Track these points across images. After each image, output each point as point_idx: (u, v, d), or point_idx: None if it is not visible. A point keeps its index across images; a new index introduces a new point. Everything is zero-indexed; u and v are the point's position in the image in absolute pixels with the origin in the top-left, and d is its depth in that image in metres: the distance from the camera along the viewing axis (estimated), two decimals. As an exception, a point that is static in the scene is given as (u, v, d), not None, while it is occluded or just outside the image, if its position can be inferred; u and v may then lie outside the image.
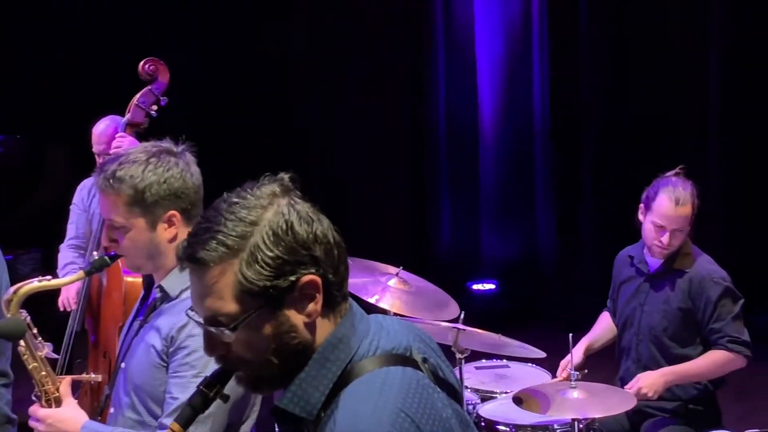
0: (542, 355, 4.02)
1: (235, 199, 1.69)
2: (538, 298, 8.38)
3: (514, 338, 4.04)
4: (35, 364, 2.60)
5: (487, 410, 3.92)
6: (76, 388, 4.33)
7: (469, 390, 4.09)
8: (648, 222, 3.96)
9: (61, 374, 4.19)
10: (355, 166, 8.92)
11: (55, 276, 4.34)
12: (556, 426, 3.74)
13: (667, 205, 3.88)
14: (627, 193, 4.27)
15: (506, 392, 4.07)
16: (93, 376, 3.90)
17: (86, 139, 4.97)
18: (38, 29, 7.69)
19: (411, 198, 8.95)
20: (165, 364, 2.46)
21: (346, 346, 1.69)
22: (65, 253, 5.07)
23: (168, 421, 2.32)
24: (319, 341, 1.69)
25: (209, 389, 1.75)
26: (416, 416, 1.61)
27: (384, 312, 4.01)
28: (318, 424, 1.66)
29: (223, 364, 1.72)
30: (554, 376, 4.19)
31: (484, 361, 4.43)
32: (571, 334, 4.16)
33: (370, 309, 4.03)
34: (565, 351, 3.90)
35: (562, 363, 4.07)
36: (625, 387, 3.88)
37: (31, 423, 2.59)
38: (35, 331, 2.63)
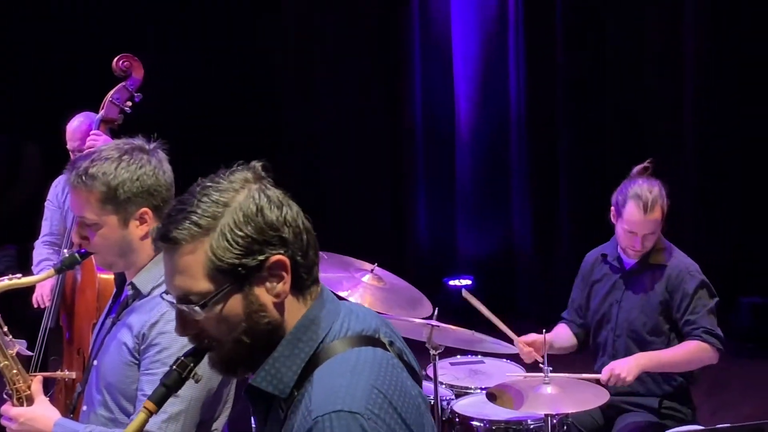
0: (515, 350, 4.03)
1: (209, 183, 1.77)
2: (514, 294, 8.41)
3: (491, 334, 4.05)
4: (6, 362, 2.59)
5: (461, 406, 3.94)
6: (51, 385, 4.32)
7: (443, 386, 4.09)
8: (620, 227, 3.99)
9: (35, 371, 4.17)
10: (332, 163, 8.93)
11: (29, 273, 4.34)
12: (529, 421, 3.76)
13: (637, 213, 3.89)
14: (603, 188, 4.28)
15: (481, 388, 4.08)
16: (67, 373, 3.88)
17: (60, 135, 4.95)
18: (32, 29, 7.65)
19: (388, 194, 8.96)
20: (137, 362, 2.46)
21: (317, 328, 1.75)
22: (40, 250, 5.05)
23: None
24: (291, 323, 1.75)
25: (182, 369, 1.80)
26: (388, 393, 1.69)
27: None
28: (291, 402, 1.73)
29: (196, 344, 1.78)
30: (528, 371, 4.21)
31: (458, 357, 4.44)
32: (545, 330, 4.18)
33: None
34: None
35: (522, 340, 4.05)
36: (601, 372, 3.87)
37: (3, 422, 2.58)
38: (5, 329, 2.62)
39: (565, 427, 3.81)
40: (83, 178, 2.47)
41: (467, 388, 4.16)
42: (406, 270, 7.76)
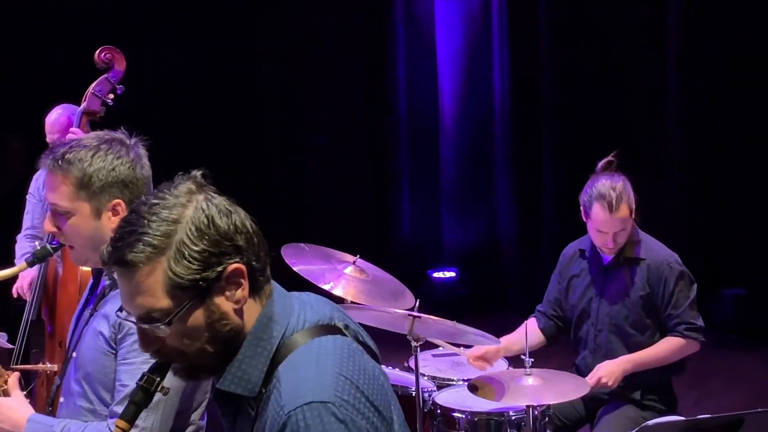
0: (498, 342, 4.04)
1: (154, 201, 1.76)
2: (498, 286, 8.43)
3: (475, 326, 4.04)
4: None
5: (443, 398, 3.94)
6: (32, 378, 4.31)
7: (425, 378, 4.10)
8: (590, 227, 4.00)
9: (16, 364, 4.17)
10: (316, 155, 8.92)
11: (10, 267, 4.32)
12: (511, 413, 3.76)
13: (603, 214, 3.89)
14: (587, 180, 4.29)
15: (463, 379, 4.08)
16: (49, 366, 3.87)
17: (41, 128, 4.93)
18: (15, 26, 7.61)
19: (372, 186, 8.96)
20: (114, 352, 2.46)
21: (276, 324, 1.79)
22: (22, 243, 5.04)
23: (119, 408, 2.32)
24: (250, 324, 1.79)
25: (149, 384, 1.83)
26: (354, 378, 1.74)
27: (340, 300, 4.02)
28: (260, 399, 1.76)
29: (159, 358, 1.80)
30: (511, 364, 4.22)
31: (441, 348, 4.44)
32: (527, 321, 4.19)
33: (326, 297, 4.04)
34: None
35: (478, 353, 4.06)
36: (586, 378, 3.91)
37: None
38: (-19, 324, 2.62)
39: (546, 419, 3.82)
40: (59, 162, 2.46)
41: (449, 379, 4.16)
42: (390, 262, 7.76)
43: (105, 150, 2.47)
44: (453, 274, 8.45)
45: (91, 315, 2.57)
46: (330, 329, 1.82)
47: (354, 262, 4.25)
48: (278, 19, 8.69)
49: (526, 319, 4.23)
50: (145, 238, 1.72)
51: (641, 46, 7.79)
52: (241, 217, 1.78)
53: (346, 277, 4.16)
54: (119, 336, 2.44)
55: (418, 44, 8.58)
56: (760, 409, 3.33)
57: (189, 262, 1.71)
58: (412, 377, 3.87)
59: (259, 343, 1.77)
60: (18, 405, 2.54)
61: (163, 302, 1.72)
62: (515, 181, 8.35)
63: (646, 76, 7.81)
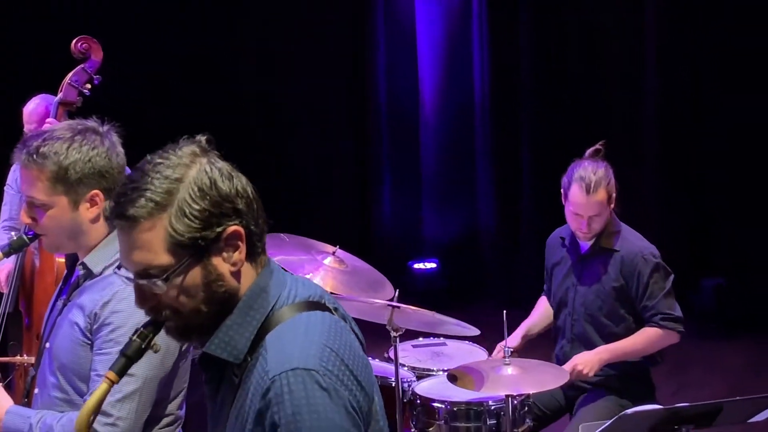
0: (476, 332, 4.04)
1: (159, 160, 1.80)
2: (479, 277, 8.44)
3: (455, 316, 4.06)
4: None
5: (422, 388, 3.94)
6: (10, 370, 4.28)
7: (405, 368, 4.10)
8: (567, 210, 4.01)
9: (-6, 357, 4.14)
10: (296, 146, 8.90)
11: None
12: (491, 402, 3.76)
13: (580, 194, 3.90)
14: (566, 171, 4.29)
15: (443, 370, 4.08)
16: (26, 358, 3.85)
17: (18, 118, 4.90)
18: None
19: (352, 178, 8.95)
20: (89, 342, 2.44)
21: (267, 295, 1.83)
22: (0, 236, 5.00)
23: None
24: (243, 290, 1.82)
25: (142, 339, 1.85)
26: (339, 351, 1.77)
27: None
28: (245, 367, 1.80)
29: (154, 316, 1.83)
30: (491, 354, 4.22)
31: (421, 339, 4.44)
32: (505, 311, 4.20)
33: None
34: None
35: (500, 345, 4.08)
36: (560, 356, 3.93)
37: None
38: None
39: (526, 408, 3.82)
40: (34, 156, 2.44)
41: (429, 370, 4.16)
42: (371, 253, 7.77)
43: (80, 141, 2.45)
44: (434, 265, 8.46)
45: (65, 305, 2.56)
46: (320, 306, 1.85)
47: (333, 252, 4.25)
48: (260, 11, 8.65)
49: (506, 309, 4.24)
50: (148, 194, 1.75)
51: (620, 37, 7.81)
52: (242, 182, 1.82)
53: (325, 267, 4.16)
54: (95, 326, 2.43)
55: (399, 36, 8.57)
56: (738, 398, 3.34)
57: (190, 220, 1.75)
58: (391, 367, 3.87)
59: (248, 311, 1.81)
60: None
61: (162, 258, 1.76)
62: (495, 173, 8.37)
63: (625, 67, 7.83)
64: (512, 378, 3.62)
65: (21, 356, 3.99)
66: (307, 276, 4.02)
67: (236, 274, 1.81)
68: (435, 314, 3.80)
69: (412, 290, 7.92)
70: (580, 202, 3.92)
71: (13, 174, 5.01)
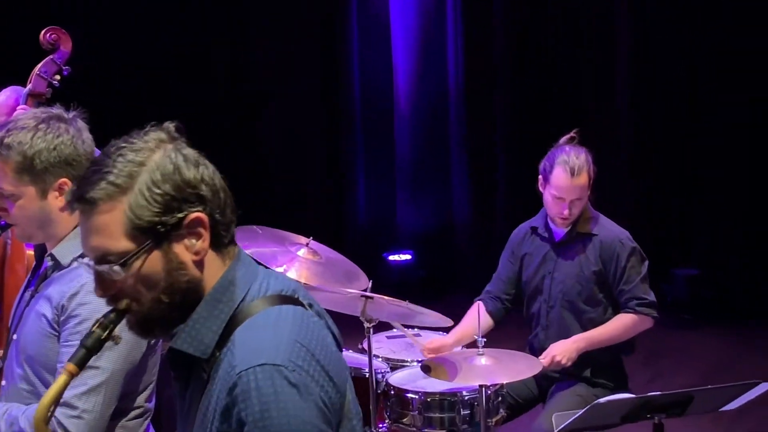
0: (450, 323, 4.04)
1: (123, 144, 1.75)
2: (453, 268, 8.45)
3: (431, 307, 4.06)
4: None
5: (396, 378, 3.94)
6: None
7: (379, 359, 4.09)
8: (547, 194, 4.01)
9: (-36, 350, 4.10)
10: (270, 138, 8.88)
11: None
12: (464, 393, 3.76)
13: (564, 177, 3.92)
14: (541, 162, 4.29)
15: (417, 360, 4.08)
16: (-2, 351, 3.81)
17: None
18: None
19: (327, 169, 8.94)
20: (57, 333, 2.42)
21: (236, 288, 1.77)
22: (-30, 228, 4.95)
23: None
24: (210, 282, 1.77)
25: (102, 330, 1.80)
26: (310, 346, 1.72)
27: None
28: (213, 363, 1.75)
29: (115, 306, 1.77)
30: (464, 345, 4.22)
31: (395, 330, 4.43)
32: (473, 306, 4.21)
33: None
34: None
35: (433, 346, 4.05)
36: (539, 358, 3.93)
37: None
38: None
39: (499, 398, 3.82)
40: None
41: (403, 361, 4.16)
42: (346, 245, 7.76)
43: (44, 130, 2.43)
44: (409, 256, 8.47)
45: (32, 297, 2.53)
46: (292, 300, 1.80)
47: (307, 244, 4.23)
48: (233, 3, 8.62)
49: (476, 301, 4.26)
50: (109, 177, 1.71)
51: (595, 26, 7.83)
52: (209, 170, 1.78)
53: (299, 259, 4.14)
54: (62, 318, 2.41)
55: (373, 26, 8.56)
56: (709, 386, 3.36)
57: (149, 203, 1.70)
58: (365, 358, 3.86)
59: (216, 305, 1.76)
60: None
61: (121, 243, 1.71)
62: (470, 164, 8.38)
63: (600, 56, 7.85)
64: (486, 368, 3.62)
65: (-8, 349, 3.95)
66: (281, 268, 4.01)
67: (200, 264, 1.76)
68: (408, 305, 3.79)
69: (387, 282, 7.93)
70: (563, 185, 3.93)
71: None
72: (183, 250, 1.74)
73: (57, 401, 1.86)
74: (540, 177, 4.05)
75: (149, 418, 2.62)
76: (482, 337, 3.73)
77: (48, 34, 4.13)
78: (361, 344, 4.10)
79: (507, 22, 8.06)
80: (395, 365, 4.11)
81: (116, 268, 1.71)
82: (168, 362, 1.83)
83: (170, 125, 1.81)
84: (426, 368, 3.68)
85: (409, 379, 3.94)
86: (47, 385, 2.44)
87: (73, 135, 2.46)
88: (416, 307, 3.84)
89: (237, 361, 1.68)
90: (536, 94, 8.05)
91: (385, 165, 8.72)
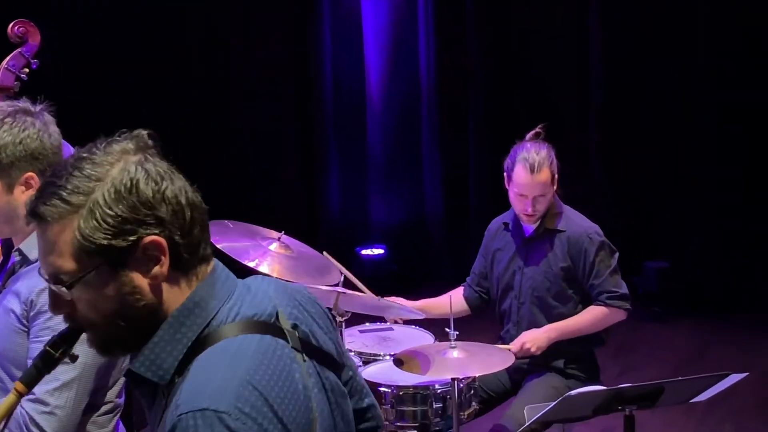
0: (421, 316, 4.05)
1: (84, 154, 1.64)
2: (426, 262, 8.47)
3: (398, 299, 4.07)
4: None
5: (369, 373, 3.94)
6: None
7: (352, 353, 4.09)
8: (511, 192, 4.04)
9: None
10: (244, 134, 8.84)
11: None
12: (437, 386, 3.77)
13: (524, 175, 3.94)
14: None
15: (390, 354, 4.08)
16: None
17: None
18: None
19: (299, 164, 8.92)
20: (26, 329, 2.40)
21: (202, 311, 1.65)
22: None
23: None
24: (173, 305, 1.64)
25: (55, 349, 1.73)
26: (265, 389, 1.58)
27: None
28: (172, 388, 1.63)
29: (71, 324, 1.69)
30: (437, 338, 4.23)
31: (367, 324, 4.44)
32: (451, 294, 4.22)
33: (252, 273, 4.00)
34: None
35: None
36: (510, 344, 3.95)
37: None
38: None
39: (472, 391, 3.83)
40: None
41: (376, 355, 4.16)
42: (319, 240, 7.75)
43: (9, 123, 2.40)
44: (381, 251, 8.47)
45: (0, 292, 2.51)
46: (264, 327, 1.66)
47: (279, 238, 4.22)
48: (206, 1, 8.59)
49: (448, 292, 4.28)
50: (62, 193, 1.59)
51: (565, 22, 7.86)
52: (175, 186, 1.63)
53: (271, 253, 4.12)
54: (32, 313, 2.38)
55: (344, 21, 8.54)
56: (679, 378, 3.38)
57: (99, 224, 1.58)
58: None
59: (179, 328, 1.63)
60: None
61: (69, 264, 1.60)
62: (442, 158, 8.40)
63: (572, 53, 7.88)
64: (458, 361, 3.63)
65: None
66: (252, 263, 3.99)
67: (158, 288, 1.62)
68: (380, 299, 3.79)
69: (359, 276, 7.90)
70: (524, 183, 3.94)
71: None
72: (138, 275, 1.61)
73: (5, 419, 1.80)
74: (504, 174, 4.06)
75: (119, 414, 2.60)
76: (459, 326, 3.74)
77: (16, 27, 4.09)
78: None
79: (479, 18, 8.06)
80: (368, 359, 4.11)
81: (63, 289, 1.61)
82: (129, 382, 1.73)
83: (142, 133, 1.70)
84: (399, 362, 3.68)
85: (381, 373, 3.94)
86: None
87: (39, 129, 2.43)
88: (388, 301, 3.84)
89: (182, 400, 1.55)
90: (508, 90, 8.07)
91: (357, 160, 8.71)
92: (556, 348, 4.03)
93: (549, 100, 7.89)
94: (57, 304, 1.66)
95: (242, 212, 6.54)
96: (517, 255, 4.16)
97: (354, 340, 4.29)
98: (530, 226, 4.11)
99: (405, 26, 8.34)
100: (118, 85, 8.09)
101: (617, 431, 3.41)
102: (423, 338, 4.28)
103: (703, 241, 7.71)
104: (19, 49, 4.10)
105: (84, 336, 1.71)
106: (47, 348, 1.73)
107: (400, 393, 3.78)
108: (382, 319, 4.38)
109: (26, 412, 2.35)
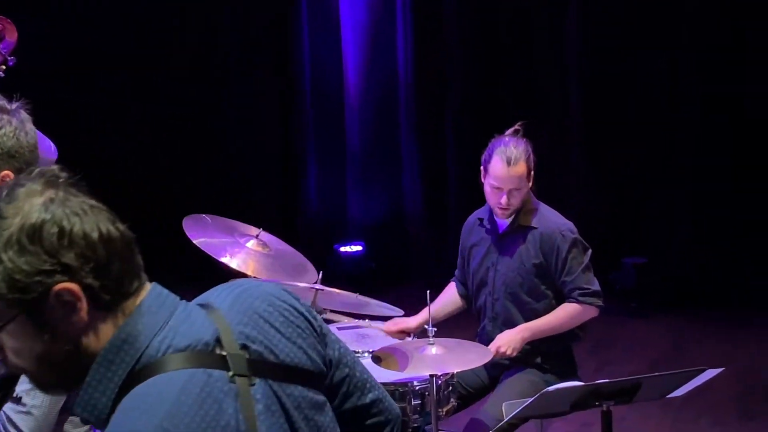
0: (400, 313, 4.05)
1: None
2: (404, 259, 8.47)
3: (382, 298, 4.05)
4: None
5: (347, 370, 3.93)
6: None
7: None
8: (487, 185, 4.04)
9: None
10: (222, 129, 8.83)
11: None
12: (415, 383, 3.77)
13: (501, 167, 3.95)
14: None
15: (368, 351, 4.07)
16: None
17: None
18: None
19: (278, 161, 8.91)
20: None
21: (131, 348, 1.56)
22: None
23: None
24: (101, 345, 1.57)
25: None
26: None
27: (243, 275, 3.97)
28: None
29: (9, 367, 1.63)
30: (416, 335, 4.24)
31: (346, 321, 4.43)
32: (429, 291, 4.21)
33: (230, 272, 3.99)
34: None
35: (395, 320, 4.14)
36: (482, 338, 3.96)
37: None
38: None
39: (450, 388, 3.84)
40: None
41: (354, 352, 4.13)
42: (297, 236, 7.75)
43: None
44: (359, 247, 8.47)
45: None
46: (197, 360, 1.57)
47: (257, 236, 4.21)
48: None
49: (431, 290, 4.26)
50: None
51: (546, 20, 7.87)
52: (86, 224, 1.54)
53: (247, 250, 4.11)
54: None
55: (322, 16, 8.54)
56: (656, 374, 3.40)
57: (4, 280, 1.50)
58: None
59: (109, 366, 1.55)
60: None
61: None
62: (420, 156, 8.40)
63: (552, 47, 7.89)
64: (436, 357, 3.63)
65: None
66: (228, 259, 3.97)
67: (81, 332, 1.55)
68: (358, 296, 3.79)
69: (338, 273, 7.93)
70: (500, 175, 3.95)
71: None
72: (57, 322, 1.53)
73: None
74: (481, 168, 4.07)
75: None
76: (437, 323, 3.74)
77: (-8, 24, 4.06)
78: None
79: (457, 13, 8.07)
80: (346, 356, 4.10)
81: None
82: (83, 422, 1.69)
83: (53, 170, 1.59)
84: (377, 359, 3.68)
85: (360, 370, 3.93)
86: None
87: (15, 127, 2.41)
88: (366, 298, 3.84)
89: None
90: (487, 86, 8.08)
91: (335, 156, 8.71)
92: (533, 345, 4.05)
93: (529, 95, 7.91)
94: None
95: (220, 208, 6.52)
96: (491, 251, 4.17)
97: (332, 338, 4.28)
98: (504, 223, 4.12)
99: (383, 21, 8.35)
100: (106, 84, 8.09)
101: (595, 426, 3.43)
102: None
103: (681, 237, 7.76)
104: (-6, 46, 4.08)
105: None
106: None
107: (379, 390, 3.76)
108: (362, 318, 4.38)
109: (4, 411, 2.33)
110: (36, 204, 1.53)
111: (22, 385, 2.30)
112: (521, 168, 3.97)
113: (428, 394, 3.67)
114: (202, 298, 1.72)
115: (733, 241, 7.63)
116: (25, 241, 1.50)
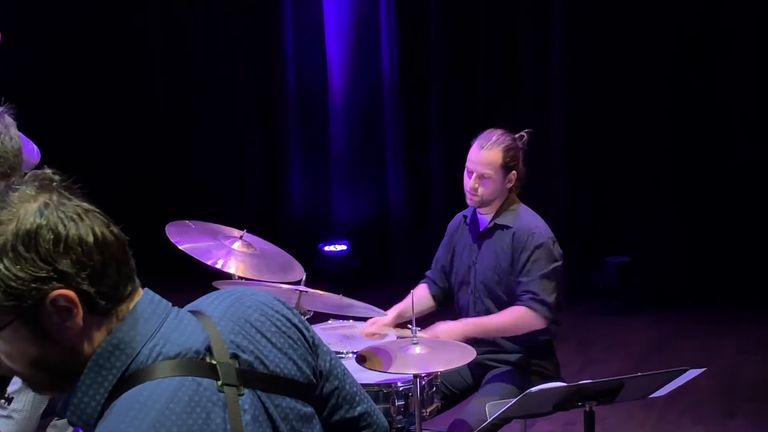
0: (384, 314, 4.06)
1: None
2: (389, 258, 8.48)
3: (366, 298, 4.05)
4: None
5: (332, 370, 3.93)
6: None
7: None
8: (465, 173, 4.06)
9: None
10: (205, 131, 8.82)
11: None
12: (399, 384, 3.77)
13: (474, 148, 3.98)
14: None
15: (353, 352, 4.07)
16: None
17: None
18: None
19: (262, 161, 8.91)
20: None
21: (122, 353, 1.57)
22: None
23: None
24: (94, 349, 1.57)
25: None
26: None
27: (228, 277, 3.98)
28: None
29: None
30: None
31: (330, 321, 4.43)
32: (416, 287, 4.23)
33: (216, 274, 4.00)
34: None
35: (373, 320, 4.12)
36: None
37: None
38: None
39: (434, 388, 3.84)
40: None
41: (339, 352, 4.13)
42: (282, 236, 7.75)
43: None
44: (344, 247, 8.47)
45: None
46: (187, 368, 1.57)
47: (241, 237, 4.21)
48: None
49: (414, 289, 4.27)
50: None
51: (530, 20, 7.90)
52: (81, 228, 1.53)
53: (233, 252, 4.11)
54: None
55: (306, 17, 8.54)
56: (639, 374, 3.42)
57: (1, 288, 1.50)
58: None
59: (100, 371, 1.55)
60: None
61: None
62: (404, 156, 8.41)
63: (535, 48, 7.92)
64: (420, 357, 3.63)
65: None
66: (210, 262, 3.97)
67: (75, 336, 1.55)
68: (342, 297, 3.80)
69: (323, 272, 7.94)
70: (472, 156, 3.98)
71: None
72: (52, 327, 1.53)
73: None
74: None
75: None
76: (423, 321, 3.73)
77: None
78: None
79: (441, 14, 8.08)
80: (331, 357, 4.10)
81: None
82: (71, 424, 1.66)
83: (46, 172, 1.59)
84: (361, 359, 3.68)
85: (344, 370, 3.93)
86: None
87: (0, 131, 2.42)
88: (350, 299, 3.84)
89: None
90: (471, 87, 8.10)
91: (319, 156, 8.72)
92: (517, 342, 4.05)
93: (512, 96, 7.94)
94: None
95: (204, 210, 6.54)
96: (472, 249, 4.17)
97: (317, 339, 4.29)
98: (485, 221, 4.12)
99: (367, 22, 8.35)
100: (84, 86, 8.06)
101: (578, 426, 3.45)
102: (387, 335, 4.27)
103: (664, 237, 7.80)
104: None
105: None
106: None
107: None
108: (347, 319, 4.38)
109: None
110: (30, 209, 1.52)
111: (13, 386, 2.30)
112: (494, 154, 3.96)
113: (412, 395, 3.68)
114: (194, 305, 1.72)
115: (715, 241, 7.66)
116: (21, 249, 1.49)
